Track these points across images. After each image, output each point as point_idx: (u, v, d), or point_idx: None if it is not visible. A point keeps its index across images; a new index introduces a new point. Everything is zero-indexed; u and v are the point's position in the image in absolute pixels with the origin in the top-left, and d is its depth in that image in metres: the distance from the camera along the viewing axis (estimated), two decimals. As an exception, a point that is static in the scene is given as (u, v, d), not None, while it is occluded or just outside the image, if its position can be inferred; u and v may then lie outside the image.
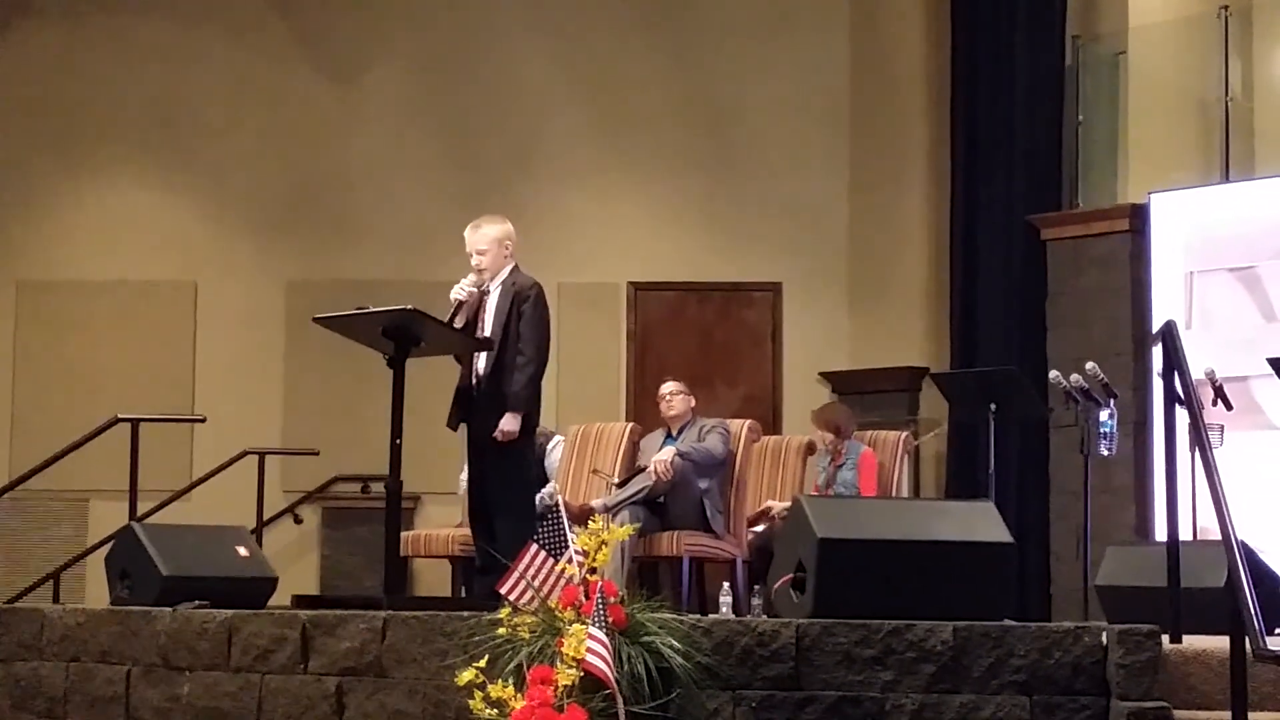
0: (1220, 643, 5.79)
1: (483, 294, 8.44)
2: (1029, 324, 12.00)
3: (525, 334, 8.31)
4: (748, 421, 10.58)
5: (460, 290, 8.32)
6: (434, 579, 12.06)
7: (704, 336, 13.41)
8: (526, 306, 8.34)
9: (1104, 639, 5.88)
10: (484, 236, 8.46)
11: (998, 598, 6.35)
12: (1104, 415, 9.46)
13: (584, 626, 5.55)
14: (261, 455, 11.77)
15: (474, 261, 8.43)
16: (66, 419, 12.36)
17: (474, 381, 8.39)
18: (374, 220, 13.44)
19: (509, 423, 8.22)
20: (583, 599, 5.70)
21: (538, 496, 9.89)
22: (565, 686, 5.50)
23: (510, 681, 5.60)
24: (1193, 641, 6.09)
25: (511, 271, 8.47)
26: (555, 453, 10.80)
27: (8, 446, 13.15)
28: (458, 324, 8.27)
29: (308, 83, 13.57)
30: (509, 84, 13.49)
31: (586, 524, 5.96)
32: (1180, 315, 10.76)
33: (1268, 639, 5.38)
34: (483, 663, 5.67)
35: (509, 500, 8.25)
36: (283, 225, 13.49)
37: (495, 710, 5.56)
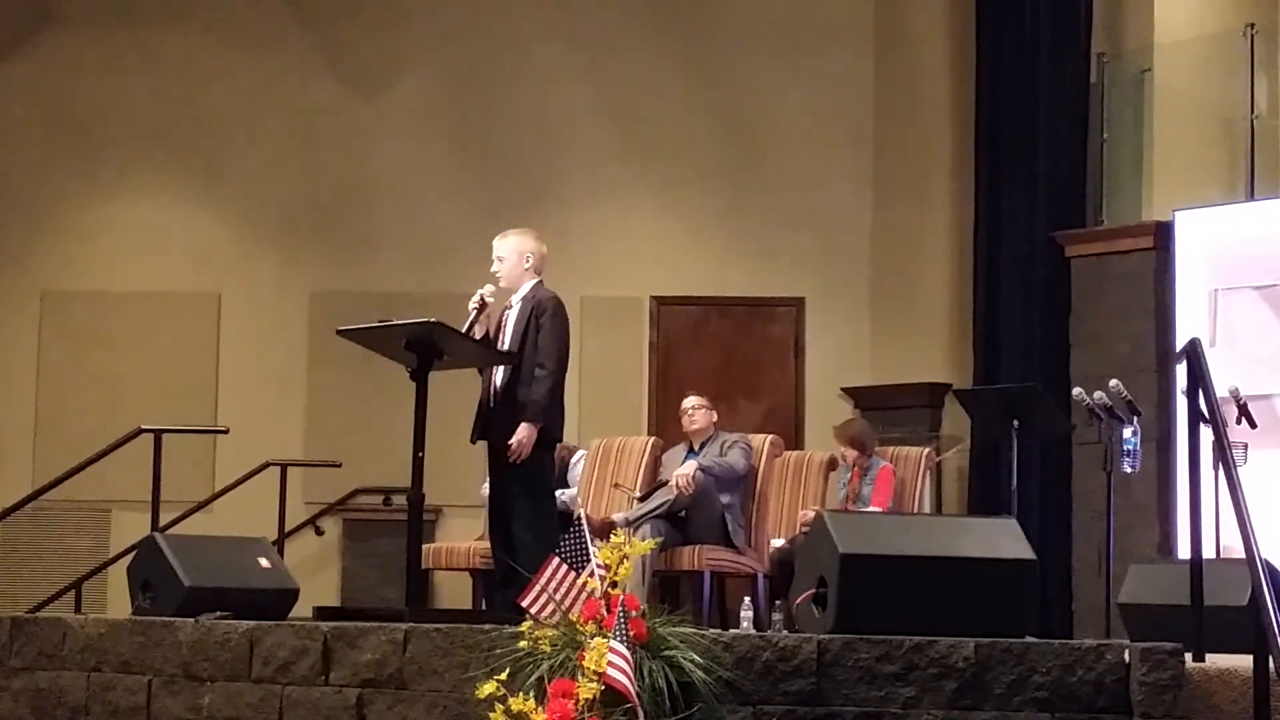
0: (1244, 661, 5.77)
1: (505, 308, 8.43)
2: (1052, 341, 11.98)
3: (543, 345, 8.28)
4: (770, 436, 10.57)
5: (476, 299, 8.30)
6: (455, 592, 12.06)
7: (726, 351, 13.40)
8: (545, 319, 8.31)
9: (1127, 657, 5.87)
10: (504, 245, 8.47)
11: (1020, 614, 6.34)
12: (1127, 432, 9.43)
13: (605, 640, 5.56)
14: (283, 467, 11.78)
15: (493, 267, 8.46)
16: (89, 429, 12.40)
17: (491, 394, 8.39)
18: (397, 233, 13.46)
19: (523, 432, 8.17)
20: (604, 612, 5.71)
21: (556, 498, 9.90)
22: (586, 700, 5.50)
23: (531, 694, 5.61)
24: (1216, 660, 6.07)
25: (534, 286, 8.45)
26: (578, 467, 10.80)
27: (31, 457, 13.19)
28: (476, 334, 8.26)
29: (332, 95, 13.61)
30: (533, 97, 13.52)
31: (608, 538, 5.96)
32: (1204, 333, 10.74)
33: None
34: (504, 675, 5.68)
35: (528, 510, 8.22)
36: (306, 237, 13.52)
37: (516, 723, 5.57)
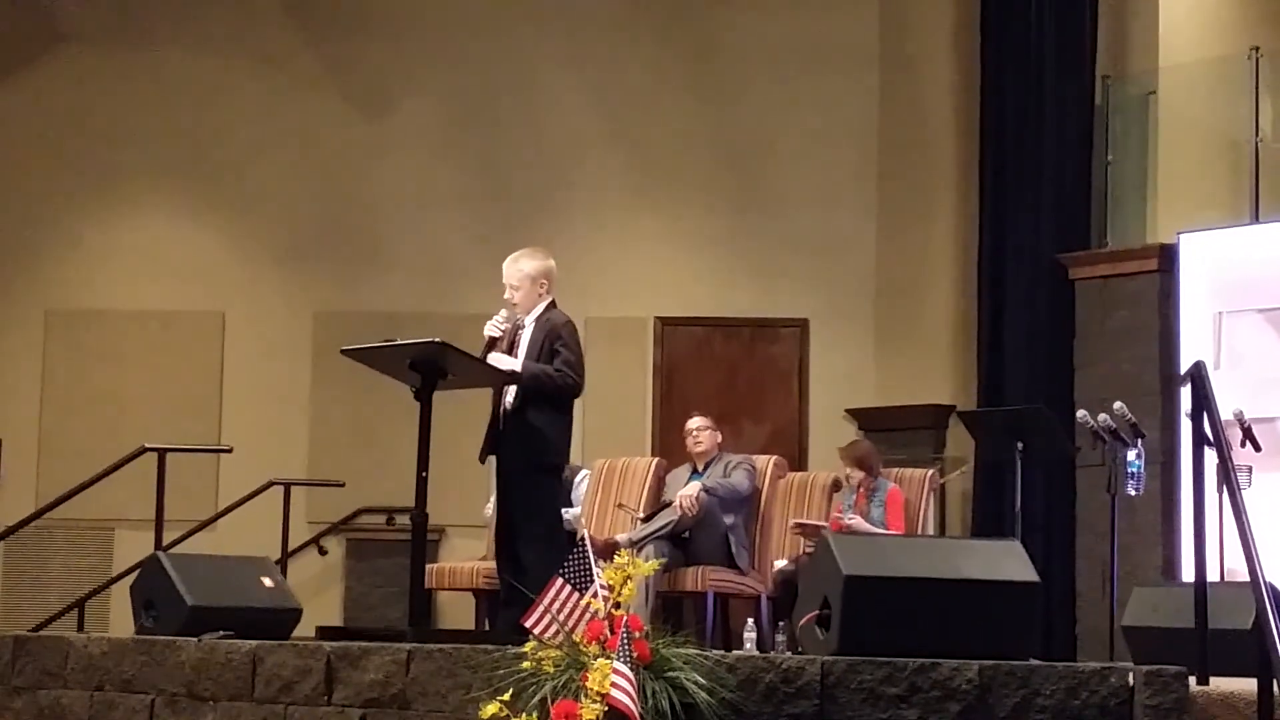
0: (1248, 684, 5.76)
1: (517, 328, 8.39)
2: (1056, 363, 11.97)
3: (569, 360, 8.23)
4: (773, 457, 10.58)
5: (493, 327, 8.27)
6: (458, 612, 12.05)
7: (730, 372, 13.40)
8: (560, 345, 8.27)
9: (1131, 680, 5.85)
10: (519, 271, 8.38)
11: (1024, 637, 6.32)
12: (1131, 455, 9.43)
13: (609, 661, 5.55)
14: (287, 486, 11.77)
15: (506, 294, 8.40)
16: (93, 448, 12.40)
17: (501, 415, 8.36)
18: (402, 252, 13.47)
19: (507, 368, 8.13)
20: (608, 633, 5.70)
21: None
22: (589, 721, 5.49)
23: (534, 715, 5.60)
24: (1220, 683, 6.05)
25: (547, 308, 8.39)
26: (582, 487, 10.80)
27: (35, 475, 13.19)
28: (491, 359, 8.23)
29: (337, 114, 13.63)
30: (538, 118, 13.53)
31: (612, 558, 5.96)
32: (1209, 356, 10.73)
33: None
34: (507, 696, 5.67)
35: (534, 533, 8.20)
36: (310, 256, 13.53)
37: (519, 744, 5.56)
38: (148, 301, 13.48)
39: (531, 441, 8.20)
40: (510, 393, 8.30)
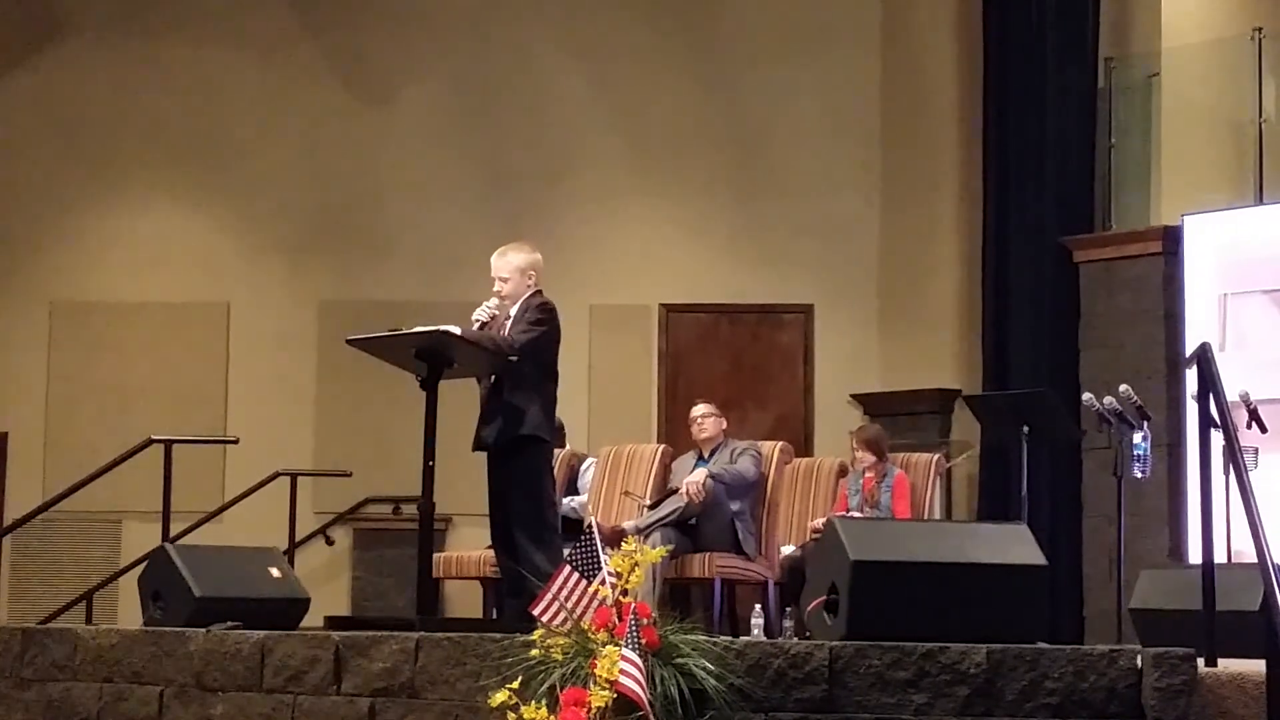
0: (1256, 666, 5.76)
1: (505, 318, 8.40)
2: (1061, 346, 11.97)
3: (523, 328, 8.20)
4: (779, 443, 10.57)
5: (482, 313, 8.28)
6: (465, 600, 12.05)
7: (735, 358, 13.40)
8: (526, 315, 8.26)
9: (1139, 662, 5.86)
10: (507, 264, 8.40)
11: (1031, 620, 6.33)
12: (1137, 438, 9.42)
13: (617, 648, 5.55)
14: (293, 476, 11.79)
15: (495, 287, 8.41)
16: (99, 440, 12.41)
17: (485, 399, 8.35)
18: (406, 241, 13.47)
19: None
20: (616, 620, 5.70)
21: (566, 505, 9.87)
22: (599, 708, 5.50)
23: (543, 703, 5.60)
24: (1228, 665, 6.06)
25: (532, 294, 8.43)
26: (588, 475, 10.80)
27: (41, 467, 13.20)
28: None
29: (340, 104, 13.63)
30: (541, 105, 13.53)
31: (619, 545, 5.96)
32: (1214, 337, 10.71)
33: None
34: (516, 684, 5.67)
35: (524, 513, 8.15)
36: (315, 246, 13.53)
37: (528, 731, 5.57)
38: (152, 293, 13.49)
39: (507, 416, 8.17)
40: (492, 377, 8.28)
